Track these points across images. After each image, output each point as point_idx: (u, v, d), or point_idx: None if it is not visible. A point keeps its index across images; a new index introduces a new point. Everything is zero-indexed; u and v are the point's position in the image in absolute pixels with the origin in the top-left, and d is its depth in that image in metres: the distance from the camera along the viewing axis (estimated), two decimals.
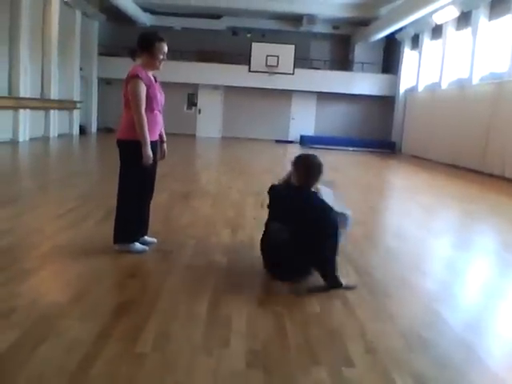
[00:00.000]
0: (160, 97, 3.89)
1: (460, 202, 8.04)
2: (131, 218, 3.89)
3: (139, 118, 3.67)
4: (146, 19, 20.53)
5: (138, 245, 3.94)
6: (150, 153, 3.72)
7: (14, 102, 13.05)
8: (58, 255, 3.82)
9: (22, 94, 13.32)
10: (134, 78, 3.67)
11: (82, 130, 18.28)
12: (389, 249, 4.69)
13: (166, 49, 3.81)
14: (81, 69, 17.89)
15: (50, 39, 15.02)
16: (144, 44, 3.76)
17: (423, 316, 3.07)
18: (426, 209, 7.15)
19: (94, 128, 19.75)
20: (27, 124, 13.75)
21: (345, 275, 3.64)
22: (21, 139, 13.36)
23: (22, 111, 13.37)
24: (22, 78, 13.31)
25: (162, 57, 3.79)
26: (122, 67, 22.25)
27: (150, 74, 3.83)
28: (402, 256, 4.44)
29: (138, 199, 3.90)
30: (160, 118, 3.93)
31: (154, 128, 3.85)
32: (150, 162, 3.74)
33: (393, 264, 4.16)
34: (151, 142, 3.77)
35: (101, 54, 19.73)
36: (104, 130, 20.17)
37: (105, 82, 20.27)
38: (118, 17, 19.36)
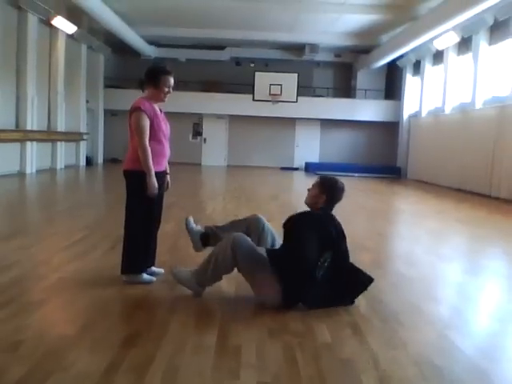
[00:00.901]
0: (165, 127, 3.93)
1: (468, 227, 7.98)
2: (139, 249, 3.87)
3: (143, 149, 3.70)
4: (150, 51, 20.89)
5: (145, 275, 3.91)
6: (155, 183, 3.73)
7: (21, 135, 13.20)
8: (65, 287, 3.80)
9: (28, 127, 13.50)
10: (136, 110, 3.72)
11: (89, 161, 18.43)
12: (399, 275, 4.63)
13: (171, 82, 3.86)
14: (87, 101, 18.15)
15: (56, 72, 15.29)
16: (150, 76, 3.83)
17: (436, 343, 3.01)
18: (434, 234, 7.09)
19: (100, 159, 19.92)
20: (34, 156, 13.88)
21: (356, 305, 3.60)
22: (28, 171, 13.48)
23: (28, 143, 13.52)
24: (29, 111, 13.51)
25: (167, 89, 3.84)
26: (127, 99, 22.54)
27: (155, 105, 3.88)
28: (412, 282, 4.38)
29: (145, 230, 3.89)
30: (166, 149, 3.95)
31: (160, 159, 3.87)
32: (155, 192, 3.75)
33: (403, 291, 4.10)
34: (157, 173, 3.79)
35: (106, 86, 20.04)
36: (110, 161, 20.33)
37: (110, 114, 20.52)
38: (123, 49, 19.73)
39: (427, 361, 2.72)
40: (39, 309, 3.28)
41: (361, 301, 3.69)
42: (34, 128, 13.84)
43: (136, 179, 3.76)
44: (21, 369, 2.40)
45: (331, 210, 3.69)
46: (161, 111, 3.95)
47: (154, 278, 3.93)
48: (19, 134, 13.14)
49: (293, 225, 3.58)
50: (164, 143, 3.91)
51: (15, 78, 13.20)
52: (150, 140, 3.75)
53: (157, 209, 3.97)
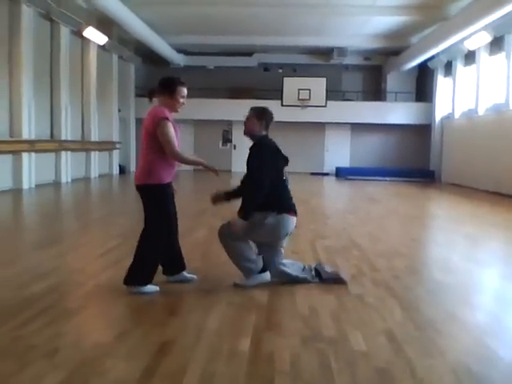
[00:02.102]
0: (178, 137, 3.96)
1: (506, 231, 7.76)
2: (156, 262, 3.89)
3: (179, 157, 3.75)
4: (179, 60, 21.17)
5: (149, 286, 3.84)
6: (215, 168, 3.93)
7: (56, 145, 13.53)
8: (101, 294, 3.86)
9: (63, 137, 13.83)
10: (163, 119, 3.71)
11: (122, 170, 18.73)
12: (434, 282, 4.53)
13: (186, 92, 3.91)
14: (119, 110, 18.48)
15: (88, 83, 15.64)
16: (166, 86, 3.85)
17: (474, 350, 2.93)
18: (470, 239, 6.93)
19: (132, 167, 20.21)
20: (69, 165, 14.21)
21: (391, 312, 3.55)
22: (63, 180, 13.80)
23: (63, 153, 13.85)
24: (63, 122, 13.85)
25: (182, 100, 3.87)
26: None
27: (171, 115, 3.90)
28: (448, 289, 4.28)
29: (166, 239, 3.89)
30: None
31: (170, 170, 3.88)
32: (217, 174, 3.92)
33: (439, 298, 4.01)
34: (167, 184, 3.83)
35: (137, 95, 20.36)
36: None
37: (141, 122, 20.83)
38: (152, 59, 20.05)
39: (465, 369, 2.65)
40: (76, 316, 3.34)
41: (395, 308, 3.63)
42: (69, 138, 14.17)
43: (150, 193, 3.79)
44: (58, 375, 2.44)
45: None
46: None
47: (157, 288, 3.86)
48: (54, 145, 13.47)
49: (253, 154, 4.08)
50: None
51: (49, 89, 13.56)
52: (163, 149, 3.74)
53: (174, 216, 3.98)
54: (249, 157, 4.08)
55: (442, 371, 2.63)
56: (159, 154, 3.74)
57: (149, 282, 3.83)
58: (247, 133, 4.15)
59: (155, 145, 3.73)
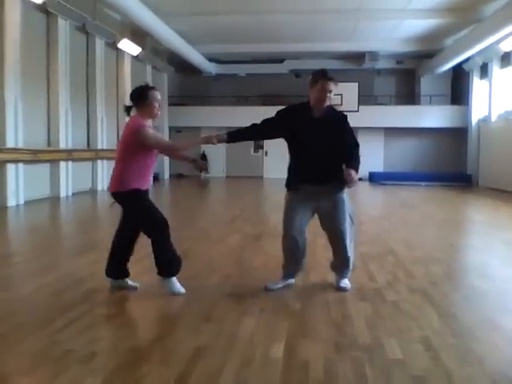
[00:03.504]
0: None
1: None
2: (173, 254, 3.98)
3: (171, 146, 4.05)
4: (211, 68, 21.39)
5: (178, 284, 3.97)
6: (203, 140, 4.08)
7: (93, 154, 13.86)
8: (136, 300, 3.91)
9: (99, 146, 14.14)
10: (140, 128, 3.78)
11: (156, 177, 19.01)
12: (473, 289, 4.41)
13: (159, 96, 3.96)
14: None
15: (123, 93, 15.94)
16: (139, 95, 3.90)
17: None
18: (509, 244, 6.72)
19: (166, 175, 20.49)
20: (105, 174, 14.50)
21: (428, 319, 3.47)
22: (99, 188, 14.10)
23: (99, 162, 14.16)
24: (99, 131, 14.19)
25: (157, 104, 3.92)
26: (190, 116, 23.24)
27: (150, 122, 3.94)
28: (487, 296, 4.16)
29: (167, 233, 3.98)
30: (154, 164, 4.07)
31: (149, 176, 3.99)
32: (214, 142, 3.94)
33: (478, 305, 3.90)
34: (144, 191, 3.93)
35: (170, 104, 20.66)
36: (176, 176, 20.89)
37: (175, 131, 21.12)
38: (185, 68, 20.33)
39: (506, 378, 2.57)
40: (111, 321, 3.39)
41: (432, 315, 3.55)
42: (104, 147, 14.48)
43: (125, 200, 3.89)
44: (95, 380, 2.49)
45: None
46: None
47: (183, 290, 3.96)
48: (90, 153, 13.80)
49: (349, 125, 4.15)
50: (154, 160, 4.02)
51: (85, 99, 13.91)
52: (142, 156, 3.83)
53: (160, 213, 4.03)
54: (345, 127, 4.07)
55: (481, 381, 2.56)
56: (131, 163, 3.83)
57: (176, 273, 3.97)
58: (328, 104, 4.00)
59: (128, 154, 3.83)
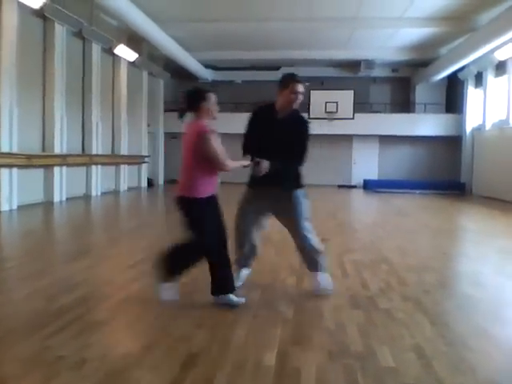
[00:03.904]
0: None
1: None
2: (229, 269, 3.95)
3: (228, 168, 3.81)
4: (207, 75, 21.44)
5: (233, 296, 3.89)
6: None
7: (87, 159, 13.82)
8: (129, 306, 3.90)
9: (94, 151, 14.12)
10: (205, 133, 3.68)
11: (150, 183, 18.99)
12: (466, 297, 4.42)
13: (216, 99, 3.91)
14: (148, 125, 18.80)
15: (119, 99, 15.97)
16: (199, 98, 3.82)
17: (506, 368, 2.85)
18: (503, 253, 6.74)
19: (160, 180, 20.48)
20: (99, 179, 14.48)
21: (420, 327, 3.48)
22: (93, 194, 14.06)
23: (94, 167, 14.13)
24: (94, 136, 14.16)
25: (215, 107, 3.87)
26: (185, 122, 23.20)
27: None
28: (480, 305, 4.17)
29: (220, 249, 3.91)
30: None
31: (212, 184, 3.90)
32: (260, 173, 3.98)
33: (471, 313, 3.91)
34: (207, 198, 3.83)
35: (166, 110, 20.67)
36: (170, 182, 20.87)
37: (170, 137, 21.12)
38: (181, 74, 20.36)
39: None
40: (104, 327, 3.38)
41: (425, 323, 3.56)
42: (99, 152, 14.47)
43: (190, 206, 3.81)
44: None
45: None
46: None
47: (242, 300, 3.91)
48: (85, 159, 13.76)
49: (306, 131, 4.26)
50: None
51: (81, 105, 13.89)
52: (207, 163, 3.75)
53: (221, 229, 3.97)
54: (303, 130, 4.17)
55: None
56: (202, 170, 3.77)
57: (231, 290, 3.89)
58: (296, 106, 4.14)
59: (199, 160, 3.74)
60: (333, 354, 2.98)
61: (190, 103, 3.87)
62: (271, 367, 2.76)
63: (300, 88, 4.05)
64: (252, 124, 4.31)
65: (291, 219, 4.25)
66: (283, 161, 4.06)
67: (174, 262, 3.91)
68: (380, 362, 2.88)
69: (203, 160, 3.73)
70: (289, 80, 4.06)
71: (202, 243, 3.86)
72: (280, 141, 4.09)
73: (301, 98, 4.08)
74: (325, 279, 4.27)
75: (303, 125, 4.21)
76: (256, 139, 4.23)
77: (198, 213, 3.81)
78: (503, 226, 9.99)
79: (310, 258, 4.30)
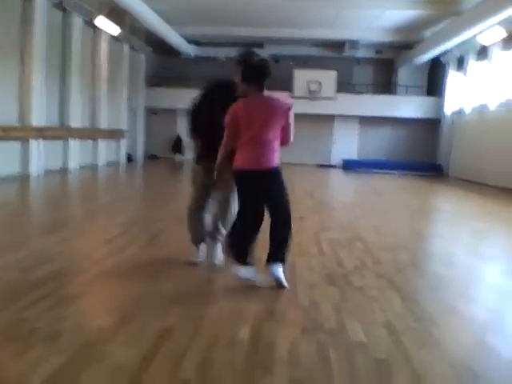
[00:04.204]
0: None
1: None
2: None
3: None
4: (190, 50, 21.15)
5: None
6: None
7: (65, 133, 13.61)
8: (104, 280, 3.90)
9: (72, 125, 13.90)
10: (290, 108, 3.83)
11: (129, 158, 18.82)
12: (436, 276, 4.52)
13: None
14: (128, 99, 18.53)
15: (99, 72, 15.68)
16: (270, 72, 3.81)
17: (472, 345, 2.94)
18: (476, 234, 6.90)
19: (140, 156, 20.30)
20: (77, 153, 14.29)
21: (391, 304, 3.56)
22: (71, 167, 13.89)
23: (72, 141, 13.93)
24: (73, 110, 13.93)
25: None
26: (167, 97, 22.93)
27: None
28: (450, 283, 4.28)
29: None
30: None
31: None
32: None
33: (441, 291, 4.01)
34: None
35: (147, 84, 20.38)
36: (150, 158, 20.72)
37: (151, 112, 20.88)
38: (163, 49, 20.04)
39: (462, 363, 2.66)
40: (79, 300, 3.38)
41: (396, 300, 3.64)
42: (78, 126, 14.24)
43: (281, 174, 3.87)
44: (59, 359, 2.48)
45: None
46: None
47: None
48: (63, 132, 13.55)
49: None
50: None
51: (60, 77, 13.61)
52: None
53: None
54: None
55: (439, 365, 2.64)
56: (278, 140, 3.83)
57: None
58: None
59: (277, 131, 3.80)
60: (306, 329, 3.04)
61: (267, 77, 3.82)
62: (245, 341, 2.81)
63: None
64: (203, 103, 4.13)
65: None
66: None
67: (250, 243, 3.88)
68: (351, 337, 2.94)
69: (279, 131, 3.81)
70: (246, 58, 3.93)
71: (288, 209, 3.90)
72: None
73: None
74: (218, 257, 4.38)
75: None
76: (207, 120, 4.09)
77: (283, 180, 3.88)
78: (478, 208, 10.20)
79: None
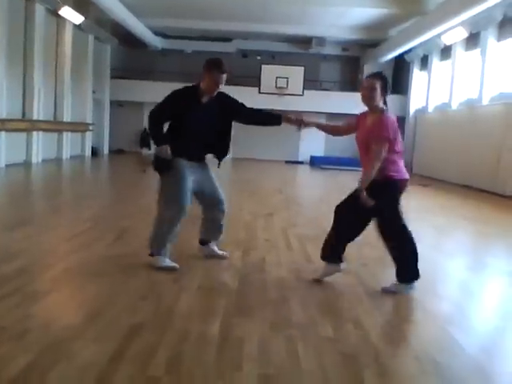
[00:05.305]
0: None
1: (473, 223, 7.96)
2: None
3: None
4: (157, 43, 20.89)
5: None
6: None
7: (28, 125, 13.25)
8: (71, 277, 3.84)
9: (35, 117, 13.53)
10: None
11: (94, 152, 18.48)
12: None
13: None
14: (93, 92, 18.17)
15: (63, 63, 15.32)
16: None
17: (437, 339, 3.03)
18: (438, 230, 7.09)
19: (105, 150, 19.97)
20: (40, 146, 13.94)
21: (358, 300, 3.63)
22: (34, 161, 13.54)
23: (35, 133, 13.57)
24: (36, 101, 13.55)
25: None
26: (133, 90, 22.56)
27: None
28: None
29: None
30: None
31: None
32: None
33: None
34: None
35: (113, 77, 20.03)
36: (116, 152, 20.39)
37: (117, 105, 20.54)
38: (129, 41, 19.72)
39: (428, 356, 2.74)
40: (45, 298, 3.31)
41: (363, 295, 3.71)
42: (41, 118, 13.88)
43: None
44: (26, 357, 2.43)
45: None
46: None
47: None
48: (26, 124, 13.19)
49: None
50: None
51: (22, 68, 13.23)
52: None
53: None
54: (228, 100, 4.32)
55: (405, 358, 2.72)
56: None
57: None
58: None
59: None
60: (275, 324, 3.07)
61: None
62: (214, 337, 2.81)
63: (222, 79, 3.99)
64: (171, 109, 4.09)
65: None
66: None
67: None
68: (320, 332, 2.99)
69: None
70: (212, 67, 3.96)
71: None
72: (204, 125, 4.08)
73: (221, 87, 4.05)
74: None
75: (226, 100, 4.26)
76: (177, 125, 4.09)
77: None
78: (439, 204, 10.47)
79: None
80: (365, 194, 3.67)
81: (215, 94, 4.07)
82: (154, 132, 4.04)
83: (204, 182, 4.20)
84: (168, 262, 4.06)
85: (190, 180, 4.05)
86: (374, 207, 3.63)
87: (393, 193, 3.85)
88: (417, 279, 3.78)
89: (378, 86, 3.75)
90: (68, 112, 15.75)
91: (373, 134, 3.68)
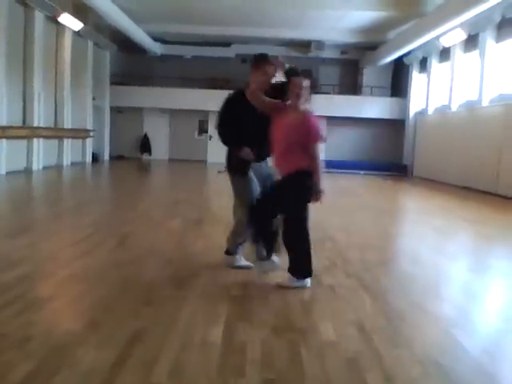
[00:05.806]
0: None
1: (474, 225, 7.96)
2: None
3: None
4: (156, 48, 20.93)
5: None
6: None
7: (28, 132, 13.27)
8: (73, 283, 3.84)
9: (35, 124, 13.55)
10: None
11: (95, 158, 18.49)
12: (404, 274, 4.64)
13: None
14: (93, 98, 18.20)
15: (63, 69, 15.35)
16: None
17: (440, 342, 3.02)
18: (440, 232, 7.09)
19: (106, 156, 19.98)
20: (41, 153, 13.95)
21: (361, 303, 3.62)
22: (35, 168, 13.54)
23: (35, 140, 13.58)
24: (36, 108, 13.56)
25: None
26: (133, 96, 22.57)
27: None
28: (417, 281, 4.39)
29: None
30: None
31: None
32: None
33: (408, 289, 4.11)
34: None
35: (112, 83, 20.08)
36: (116, 158, 20.42)
37: (116, 111, 20.59)
38: (129, 47, 19.76)
39: (431, 360, 2.73)
40: (47, 305, 3.31)
41: (365, 299, 3.71)
42: (41, 125, 13.90)
43: None
44: (29, 364, 2.43)
45: None
46: None
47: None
48: (26, 131, 13.20)
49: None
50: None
51: (22, 74, 13.25)
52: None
53: None
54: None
55: (409, 362, 2.70)
56: None
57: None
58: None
59: None
60: (278, 329, 3.06)
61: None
62: (217, 343, 2.81)
63: (272, 70, 3.94)
64: (229, 113, 4.11)
65: None
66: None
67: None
68: (322, 336, 2.98)
69: None
70: (259, 61, 3.95)
71: None
72: (256, 125, 4.00)
73: (271, 80, 3.99)
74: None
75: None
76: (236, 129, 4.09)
77: None
78: (440, 206, 10.46)
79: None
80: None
81: (268, 87, 3.99)
82: (228, 138, 4.10)
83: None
84: (244, 262, 4.30)
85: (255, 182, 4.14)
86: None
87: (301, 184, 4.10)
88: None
89: (307, 84, 3.75)
90: (68, 118, 15.77)
91: (307, 134, 3.84)
